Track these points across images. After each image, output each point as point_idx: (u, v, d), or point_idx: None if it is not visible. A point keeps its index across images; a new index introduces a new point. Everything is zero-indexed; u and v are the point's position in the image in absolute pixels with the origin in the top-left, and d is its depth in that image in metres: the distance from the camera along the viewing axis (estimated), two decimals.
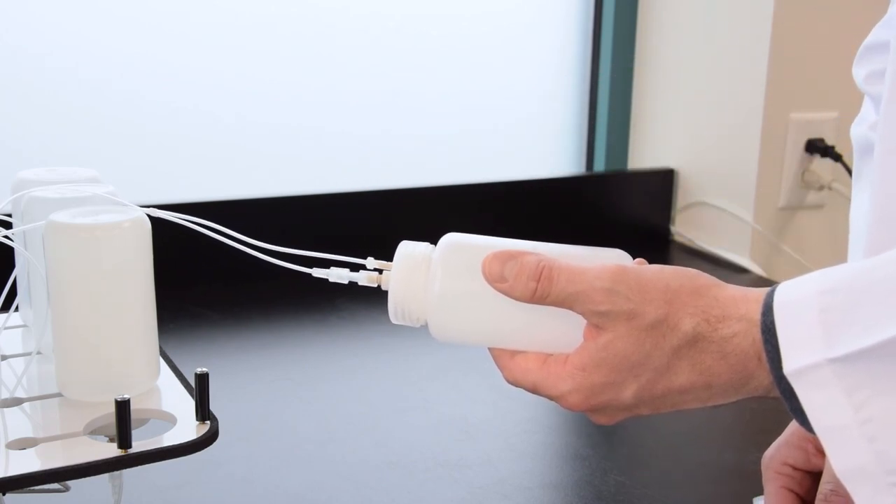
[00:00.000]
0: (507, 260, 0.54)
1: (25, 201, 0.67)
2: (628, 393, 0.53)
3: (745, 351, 0.51)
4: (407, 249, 0.57)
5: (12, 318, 0.74)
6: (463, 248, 0.56)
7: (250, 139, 1.51)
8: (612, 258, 0.56)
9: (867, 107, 0.76)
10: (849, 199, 0.81)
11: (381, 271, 0.58)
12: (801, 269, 1.50)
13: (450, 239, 0.57)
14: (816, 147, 1.54)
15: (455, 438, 0.94)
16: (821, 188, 1.56)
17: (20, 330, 0.74)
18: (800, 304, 0.50)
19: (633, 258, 0.58)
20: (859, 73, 0.75)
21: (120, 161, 1.43)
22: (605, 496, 0.84)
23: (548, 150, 1.76)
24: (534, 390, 0.56)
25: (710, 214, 1.64)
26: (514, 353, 0.56)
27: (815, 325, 0.49)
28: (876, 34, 0.74)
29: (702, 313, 0.52)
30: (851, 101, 0.81)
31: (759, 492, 0.69)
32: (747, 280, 1.52)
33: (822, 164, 1.56)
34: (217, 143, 1.49)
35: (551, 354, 0.55)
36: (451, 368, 1.11)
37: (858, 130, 0.75)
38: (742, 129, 1.56)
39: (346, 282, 0.59)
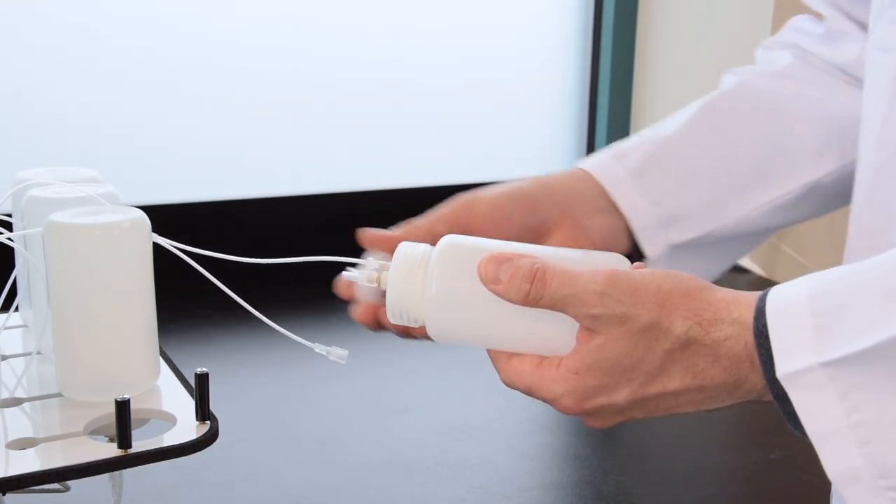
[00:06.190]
0: (502, 262, 0.55)
1: (25, 201, 0.67)
2: (621, 396, 0.53)
3: (737, 354, 0.51)
4: (405, 250, 0.57)
5: (12, 318, 0.74)
6: (461, 249, 0.57)
7: (249, 139, 1.51)
8: (609, 262, 0.56)
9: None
10: None
11: (380, 271, 0.59)
12: (801, 269, 1.50)
13: (448, 240, 0.57)
14: None
15: (455, 438, 0.94)
16: None
17: (20, 330, 0.74)
18: (792, 308, 0.49)
19: (632, 261, 0.58)
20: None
21: (120, 161, 1.43)
22: (605, 496, 0.84)
23: (548, 150, 1.76)
24: (528, 392, 0.56)
25: None
26: (510, 355, 0.56)
27: (807, 328, 0.49)
28: None
29: (694, 316, 0.52)
30: None
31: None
32: (747, 280, 1.52)
33: None
34: (216, 143, 1.49)
35: (547, 357, 0.55)
36: (451, 368, 1.11)
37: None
38: None
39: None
